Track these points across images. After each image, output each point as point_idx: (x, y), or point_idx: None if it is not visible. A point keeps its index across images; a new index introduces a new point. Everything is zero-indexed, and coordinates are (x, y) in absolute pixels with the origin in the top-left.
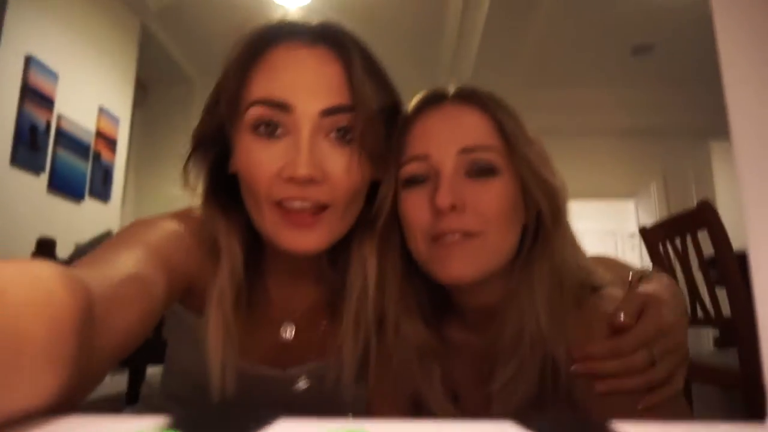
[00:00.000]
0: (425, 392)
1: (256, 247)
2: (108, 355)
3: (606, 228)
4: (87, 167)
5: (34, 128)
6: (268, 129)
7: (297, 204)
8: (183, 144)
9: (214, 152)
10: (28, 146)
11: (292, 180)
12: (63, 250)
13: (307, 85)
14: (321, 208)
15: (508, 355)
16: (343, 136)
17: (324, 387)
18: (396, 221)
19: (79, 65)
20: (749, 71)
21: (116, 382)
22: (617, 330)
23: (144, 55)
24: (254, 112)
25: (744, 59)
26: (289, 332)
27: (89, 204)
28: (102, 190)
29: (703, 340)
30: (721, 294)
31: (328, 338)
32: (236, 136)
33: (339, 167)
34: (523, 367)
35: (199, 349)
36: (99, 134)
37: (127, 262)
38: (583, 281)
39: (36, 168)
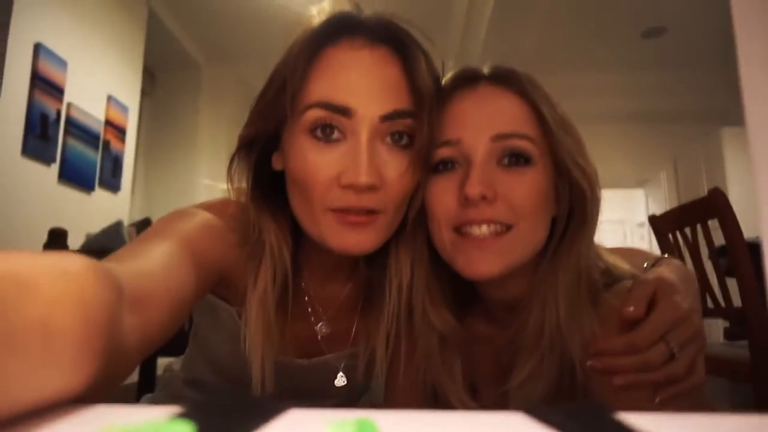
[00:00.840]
0: (445, 383)
1: (296, 244)
2: (138, 348)
3: (615, 218)
4: (97, 157)
5: (44, 117)
6: (325, 132)
7: (353, 210)
8: (190, 133)
9: (259, 150)
10: (39, 136)
11: (351, 187)
12: (74, 241)
13: (368, 89)
14: (373, 213)
15: (528, 352)
16: (400, 140)
17: (355, 378)
18: (423, 210)
19: (88, 52)
20: (766, 53)
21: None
22: (629, 322)
23: (151, 41)
24: (313, 115)
25: (761, 41)
26: (325, 329)
27: (99, 194)
28: (112, 181)
29: (713, 331)
30: (732, 284)
31: (359, 332)
32: (289, 137)
33: (395, 173)
34: (543, 364)
35: (234, 341)
36: (108, 123)
37: (159, 255)
38: (599, 276)
39: (47, 158)
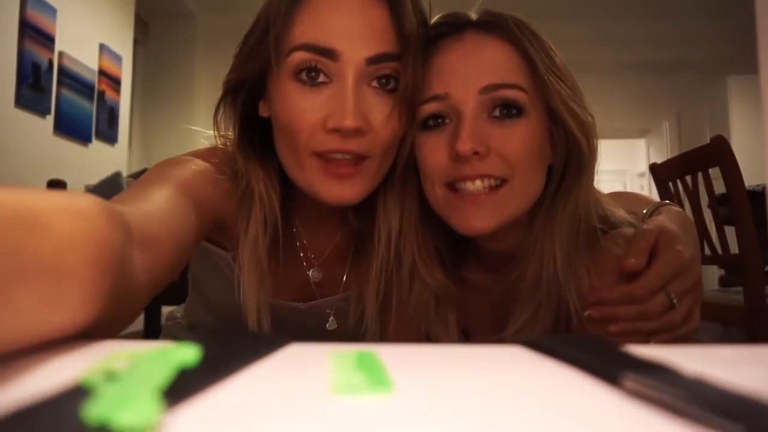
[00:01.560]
0: (439, 334)
1: (286, 191)
2: (146, 288)
3: (615, 168)
4: (92, 108)
5: (36, 67)
6: (310, 75)
7: (338, 156)
8: (187, 84)
9: (244, 96)
10: (32, 87)
11: (337, 131)
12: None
13: (354, 31)
14: (360, 159)
15: (525, 300)
16: (386, 84)
17: (347, 323)
18: (414, 165)
19: None
20: None
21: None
22: (630, 274)
23: None
24: (298, 57)
25: None
26: (316, 275)
27: (96, 146)
28: (108, 132)
29: (708, 279)
30: (729, 233)
31: (349, 279)
32: (274, 82)
33: (381, 117)
34: (539, 311)
35: (230, 286)
36: (102, 73)
37: (159, 198)
38: (597, 223)
39: (42, 110)
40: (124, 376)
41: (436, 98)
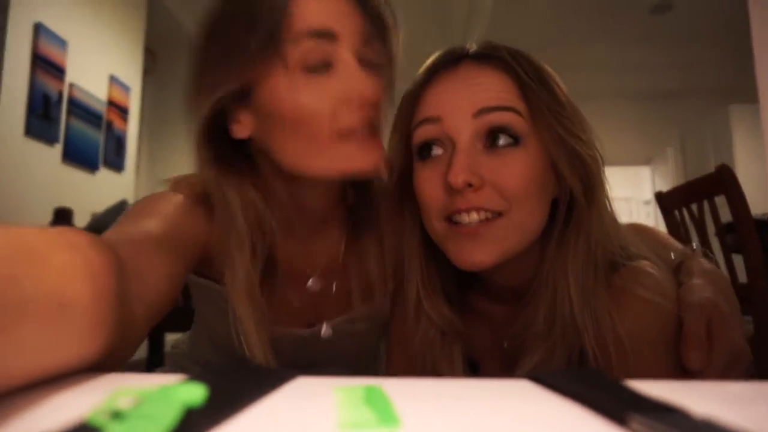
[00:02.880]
0: (445, 373)
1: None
2: (143, 317)
3: (620, 195)
4: (100, 137)
5: (46, 98)
6: (315, 65)
7: (362, 128)
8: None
9: (213, 120)
10: (42, 116)
11: (360, 104)
12: (79, 220)
13: (338, 8)
14: (372, 126)
15: (537, 340)
16: (376, 63)
17: (346, 338)
18: (412, 196)
19: (88, 32)
20: None
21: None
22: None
23: (152, 20)
24: (303, 48)
25: None
26: (314, 284)
27: (104, 174)
28: (115, 160)
29: None
30: (737, 261)
31: (348, 293)
32: (273, 85)
33: (377, 84)
34: (553, 353)
35: (227, 319)
36: (111, 103)
37: (146, 230)
38: (617, 257)
39: (50, 138)
40: (130, 414)
41: (428, 121)
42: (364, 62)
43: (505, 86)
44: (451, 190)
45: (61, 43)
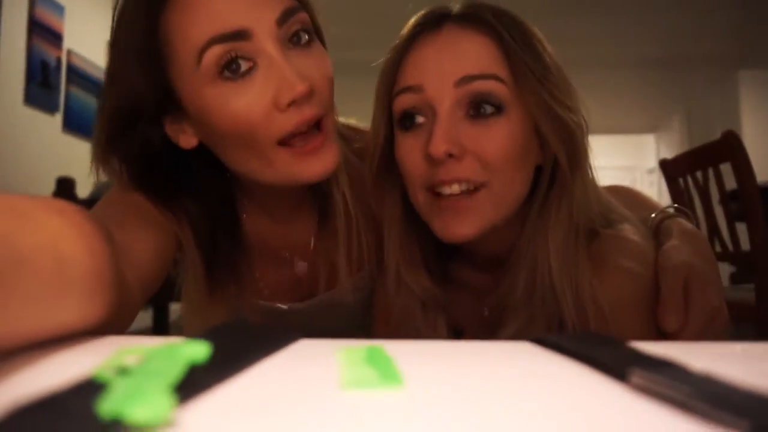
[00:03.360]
0: (429, 338)
1: (232, 198)
2: (137, 287)
3: (624, 164)
4: None
5: (45, 65)
6: (232, 69)
7: (303, 129)
8: None
9: (135, 134)
10: (41, 84)
11: (293, 103)
12: (82, 190)
13: (250, 1)
14: (318, 124)
15: (517, 308)
16: (300, 39)
17: (332, 311)
18: (395, 166)
19: None
20: None
21: (141, 319)
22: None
23: None
24: (212, 55)
25: None
26: (300, 268)
27: None
28: None
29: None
30: (740, 229)
31: (318, 249)
32: (194, 98)
33: (317, 71)
34: (532, 321)
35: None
36: None
37: (132, 205)
38: (596, 223)
39: (50, 107)
40: (136, 371)
41: (409, 89)
42: (291, 42)
43: (489, 51)
44: (432, 161)
45: (59, 8)
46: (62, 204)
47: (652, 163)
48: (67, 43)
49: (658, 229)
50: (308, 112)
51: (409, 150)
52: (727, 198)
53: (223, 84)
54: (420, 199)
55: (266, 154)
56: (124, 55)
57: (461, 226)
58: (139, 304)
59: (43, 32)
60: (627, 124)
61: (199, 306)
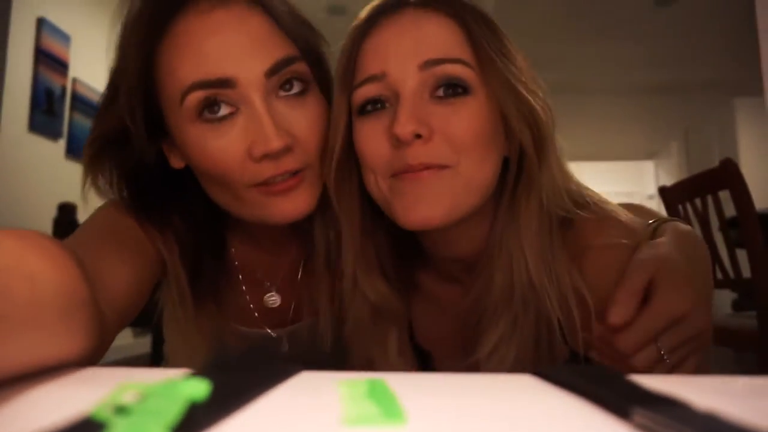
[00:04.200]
0: (377, 357)
1: (219, 224)
2: (110, 318)
3: (623, 190)
4: None
5: (49, 93)
6: (213, 111)
7: (278, 179)
8: None
9: (128, 155)
10: (45, 112)
11: (266, 157)
12: (83, 215)
13: (240, 49)
14: (299, 171)
15: (497, 313)
16: (293, 88)
17: (305, 346)
18: (352, 159)
19: (92, 26)
20: None
21: (141, 345)
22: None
23: None
24: (193, 99)
25: None
26: (273, 300)
27: None
28: None
29: (721, 302)
30: (741, 256)
31: (301, 301)
32: (178, 131)
33: (305, 124)
34: (516, 324)
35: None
36: None
37: (106, 236)
38: (570, 212)
39: (54, 134)
40: (134, 410)
41: (372, 79)
42: (283, 89)
43: (452, 34)
44: (397, 144)
45: (65, 37)
46: (24, 231)
47: (652, 189)
48: (73, 71)
49: (654, 233)
50: (285, 165)
51: (371, 134)
52: (726, 225)
53: (202, 125)
54: (382, 186)
55: (239, 193)
56: (122, 78)
57: (425, 207)
58: (114, 333)
59: (48, 61)
60: (626, 150)
61: (183, 329)
